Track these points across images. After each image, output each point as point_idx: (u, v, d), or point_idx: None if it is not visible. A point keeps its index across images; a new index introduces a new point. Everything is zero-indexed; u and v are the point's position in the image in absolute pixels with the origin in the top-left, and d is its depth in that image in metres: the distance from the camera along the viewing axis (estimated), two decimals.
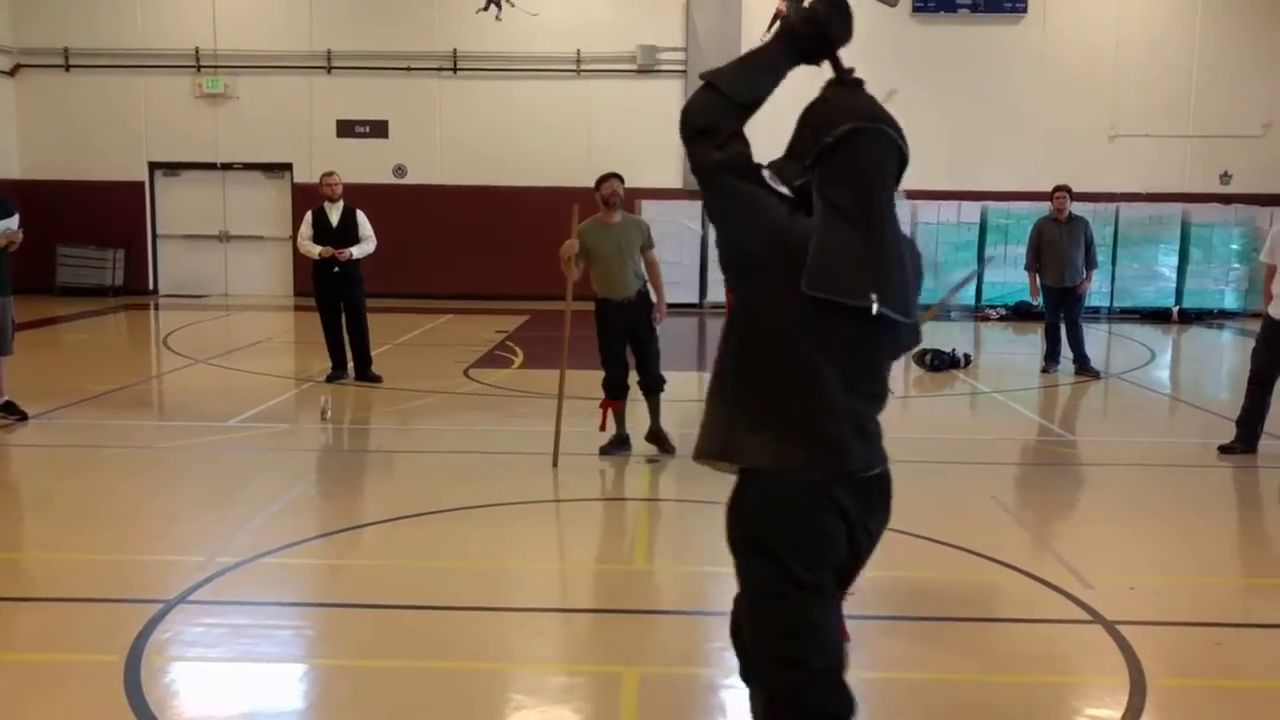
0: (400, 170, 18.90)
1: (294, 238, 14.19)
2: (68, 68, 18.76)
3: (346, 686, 4.13)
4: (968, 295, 17.17)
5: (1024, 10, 18.31)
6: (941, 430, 8.99)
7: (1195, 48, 18.50)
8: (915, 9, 18.28)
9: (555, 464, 7.24)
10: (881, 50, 18.31)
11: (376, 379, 10.42)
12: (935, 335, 12.83)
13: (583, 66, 18.66)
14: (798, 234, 2.40)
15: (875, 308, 2.36)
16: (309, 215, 10.45)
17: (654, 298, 7.67)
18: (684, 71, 18.54)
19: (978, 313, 17.43)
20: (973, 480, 7.15)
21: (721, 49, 18.22)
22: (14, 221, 8.31)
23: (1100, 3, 18.47)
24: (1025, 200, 16.73)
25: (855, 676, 4.26)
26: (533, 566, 5.52)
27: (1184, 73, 18.50)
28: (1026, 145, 18.16)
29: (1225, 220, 17.67)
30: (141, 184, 19.06)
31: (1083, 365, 11.26)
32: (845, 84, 2.56)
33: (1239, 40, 18.37)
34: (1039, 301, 11.94)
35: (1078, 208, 11.67)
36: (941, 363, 11.56)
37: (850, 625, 4.74)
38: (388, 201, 16.74)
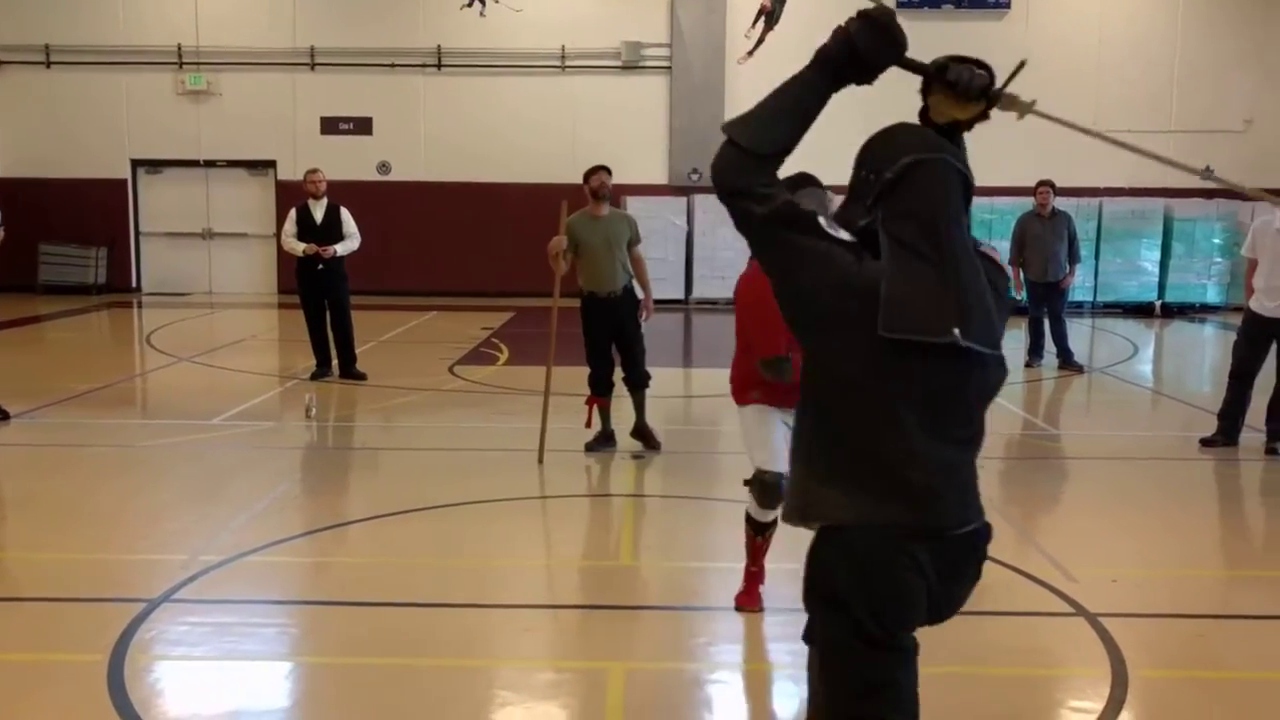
0: (384, 167, 18.84)
1: (278, 235, 14.13)
2: (49, 64, 18.63)
3: (331, 684, 4.13)
4: None
5: (1007, 6, 18.37)
6: None
7: (1177, 44, 18.59)
8: (900, 4, 18.32)
9: (541, 460, 7.24)
10: None
11: (361, 376, 10.40)
12: None
13: (567, 63, 18.64)
14: (867, 278, 2.25)
15: (961, 342, 2.21)
16: (293, 212, 10.42)
17: (640, 294, 7.69)
18: (668, 68, 18.54)
19: None
20: None
21: (706, 45, 18.26)
22: None
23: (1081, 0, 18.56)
24: (1008, 195, 16.76)
25: None
26: (519, 563, 5.52)
27: (1166, 68, 18.59)
28: (1009, 140, 18.12)
29: (1207, 215, 17.77)
30: (124, 181, 18.96)
31: (1066, 359, 11.32)
32: (942, 83, 2.40)
33: (1221, 36, 18.47)
34: (1022, 296, 11.99)
35: (1061, 202, 11.72)
36: None
37: None
38: (372, 198, 16.69)
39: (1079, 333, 13.77)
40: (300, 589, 5.22)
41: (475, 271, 18.42)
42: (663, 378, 8.50)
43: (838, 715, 2.38)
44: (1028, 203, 11.78)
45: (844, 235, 2.32)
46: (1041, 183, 11.43)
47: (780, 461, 4.52)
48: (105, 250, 18.71)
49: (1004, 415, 9.58)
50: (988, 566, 2.47)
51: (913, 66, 2.38)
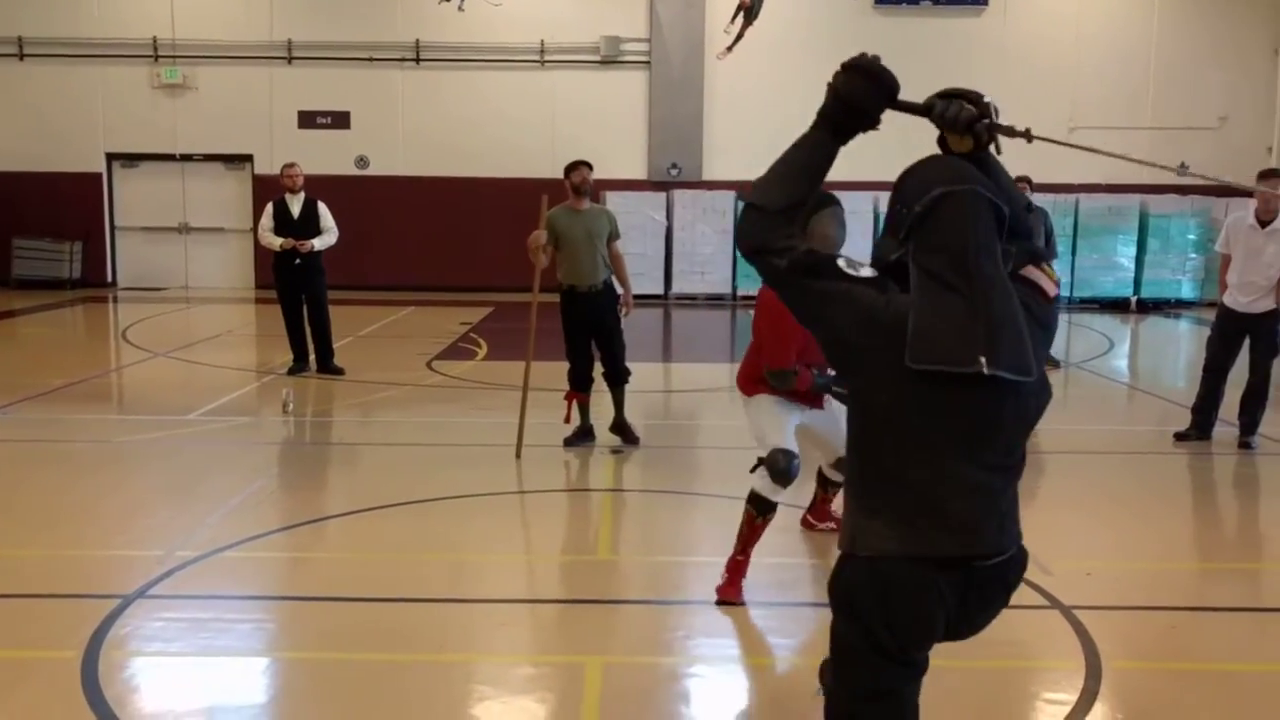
0: (362, 161, 18.76)
1: (255, 229, 14.04)
2: (22, 57, 18.46)
3: (308, 680, 4.12)
4: None
5: (985, 3, 18.45)
6: None
7: (1153, 42, 18.73)
8: (877, 1, 18.37)
9: (518, 455, 7.23)
10: (844, 42, 18.39)
11: (339, 371, 10.36)
12: None
13: (546, 57, 18.60)
14: (894, 312, 2.30)
15: (986, 370, 2.24)
16: (270, 207, 10.36)
17: (620, 289, 7.70)
18: (648, 63, 18.53)
19: None
20: None
21: (685, 40, 18.26)
22: None
23: None
24: None
25: (815, 664, 4.30)
26: (497, 558, 5.51)
27: (1142, 66, 18.71)
28: None
29: (1182, 211, 17.92)
30: (99, 175, 18.81)
31: None
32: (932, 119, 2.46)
33: (1196, 35, 18.61)
34: None
35: (1038, 198, 11.76)
36: None
37: (811, 612, 4.79)
38: (350, 193, 16.61)
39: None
40: (277, 584, 5.20)
41: (453, 266, 18.38)
42: (642, 373, 8.50)
43: (840, 715, 2.52)
44: None
45: (865, 273, 2.37)
46: (1019, 179, 11.39)
47: (791, 442, 4.75)
48: (80, 245, 18.56)
49: None
50: None
51: (905, 107, 2.44)
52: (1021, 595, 4.77)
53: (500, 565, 5.42)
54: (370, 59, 18.52)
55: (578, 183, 7.44)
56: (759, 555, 5.42)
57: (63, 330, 14.96)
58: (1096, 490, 6.79)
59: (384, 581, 5.07)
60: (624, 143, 18.56)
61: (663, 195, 18.25)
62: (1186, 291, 18.04)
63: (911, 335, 2.26)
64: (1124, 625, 4.66)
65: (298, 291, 10.27)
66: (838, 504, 5.49)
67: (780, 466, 4.71)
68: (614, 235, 7.60)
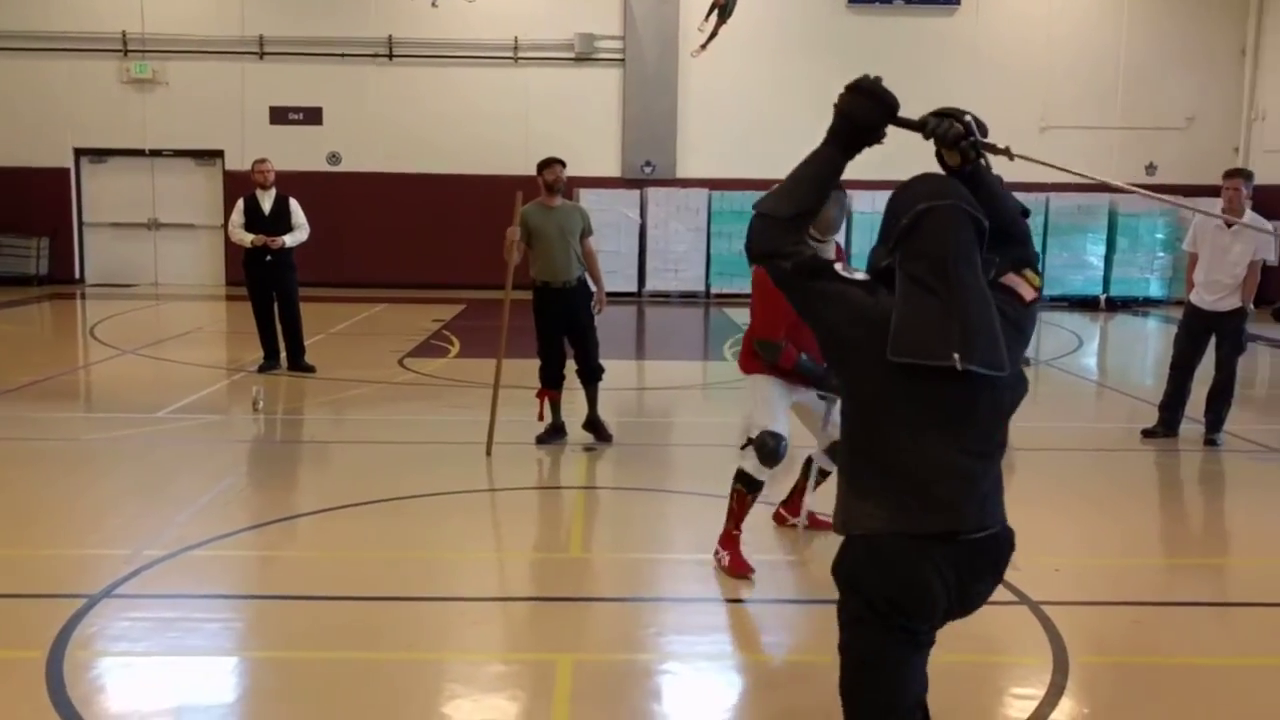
0: (335, 158, 18.65)
1: (225, 226, 13.95)
2: None
3: (277, 679, 4.09)
4: None
5: (957, 3, 18.55)
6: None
7: (1122, 43, 18.89)
8: (850, 0, 18.43)
9: (489, 453, 7.22)
10: (817, 41, 18.49)
11: (310, 369, 10.30)
12: None
13: (520, 54, 18.55)
14: (881, 310, 2.54)
15: (959, 365, 2.46)
16: (240, 203, 10.29)
17: (593, 287, 7.69)
18: (622, 60, 18.51)
19: None
20: None
21: (659, 37, 18.26)
22: None
23: None
24: None
25: (787, 659, 4.32)
26: (468, 556, 5.50)
27: (1112, 67, 18.87)
28: None
29: (1150, 210, 18.08)
30: (67, 170, 18.61)
31: None
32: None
33: (1164, 36, 18.79)
34: None
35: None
36: None
37: (781, 609, 4.81)
38: (322, 189, 16.52)
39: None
40: (246, 583, 5.17)
41: (426, 263, 18.30)
42: (615, 370, 8.51)
43: (843, 686, 2.71)
44: None
45: (859, 277, 2.64)
46: None
47: (781, 425, 4.96)
48: (47, 241, 18.36)
49: None
50: None
51: (903, 123, 2.69)
52: None
53: (471, 563, 5.41)
54: (343, 55, 18.42)
55: (550, 180, 7.43)
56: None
57: (29, 327, 14.78)
58: (1065, 487, 6.84)
59: (354, 580, 5.04)
60: (598, 140, 18.55)
61: (636, 193, 18.25)
62: (1155, 290, 18.23)
63: (893, 332, 2.49)
64: (1091, 620, 4.70)
65: (268, 288, 10.20)
66: (818, 503, 5.51)
67: (769, 448, 4.91)
68: (587, 231, 7.60)
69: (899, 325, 2.50)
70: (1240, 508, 6.77)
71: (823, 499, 5.24)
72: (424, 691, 3.95)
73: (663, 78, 18.41)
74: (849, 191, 5.05)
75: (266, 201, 10.20)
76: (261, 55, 18.44)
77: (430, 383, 10.19)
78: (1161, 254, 18.07)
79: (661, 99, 18.51)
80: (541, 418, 7.59)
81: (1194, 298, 7.89)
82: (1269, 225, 7.84)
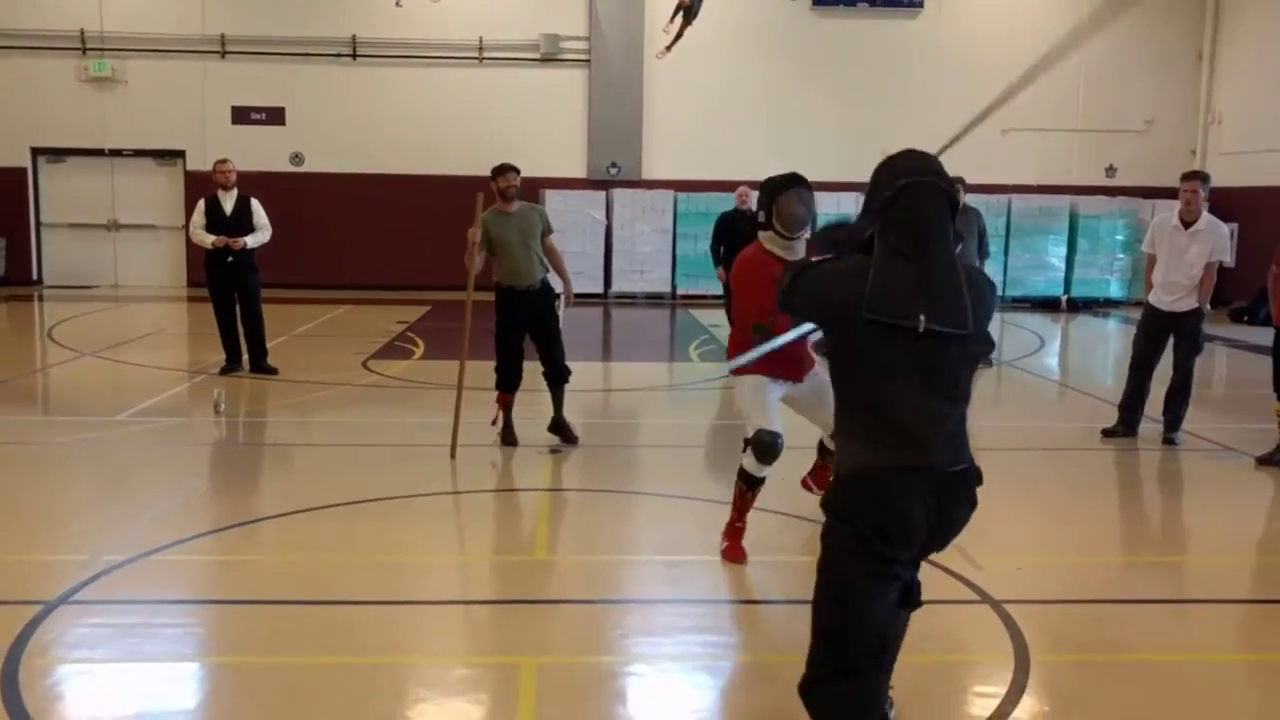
0: (297, 158, 18.51)
1: (186, 226, 13.80)
2: None
3: (237, 684, 4.05)
4: None
5: (920, 5, 18.68)
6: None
7: (1083, 47, 19.07)
8: (815, 3, 18.51)
9: (453, 455, 7.18)
10: (782, 42, 18.57)
11: (272, 371, 10.22)
12: None
13: (485, 54, 18.49)
14: (856, 273, 2.93)
15: (923, 326, 2.84)
16: (201, 203, 10.20)
17: (559, 285, 7.68)
18: (587, 61, 18.49)
19: None
20: None
21: (624, 39, 18.26)
22: None
23: (993, 0, 18.94)
24: None
25: (753, 660, 4.33)
26: (432, 559, 5.47)
27: (1072, 70, 19.06)
28: (922, 137, 18.34)
29: (1110, 212, 18.31)
30: (24, 170, 18.33)
31: None
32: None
33: (1123, 41, 19.00)
34: None
35: (971, 199, 11.96)
36: None
37: (748, 610, 4.82)
38: (284, 190, 16.38)
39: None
40: (207, 588, 5.11)
41: (390, 265, 18.20)
42: (581, 372, 8.50)
43: (815, 610, 3.01)
44: None
45: (826, 258, 3.10)
46: (953, 179, 11.62)
47: (775, 422, 5.12)
48: (4, 242, 18.11)
49: None
50: None
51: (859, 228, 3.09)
52: (952, 590, 4.89)
53: (435, 566, 5.38)
54: (306, 54, 18.28)
55: (504, 187, 7.41)
56: (696, 553, 5.45)
57: None
58: (1027, 486, 6.90)
59: (316, 583, 5.00)
60: (563, 141, 18.52)
61: (602, 194, 18.24)
62: (1115, 290, 18.45)
63: (869, 293, 2.88)
64: (1051, 618, 4.75)
65: (230, 290, 10.11)
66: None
67: (765, 444, 5.08)
68: (547, 231, 7.59)
69: (874, 288, 2.87)
70: (1197, 506, 6.87)
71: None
72: (387, 696, 3.92)
73: (628, 79, 18.41)
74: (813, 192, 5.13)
75: (228, 202, 10.11)
76: (223, 54, 18.27)
77: (395, 385, 10.13)
78: (1121, 255, 18.29)
79: (627, 100, 18.51)
80: (496, 423, 7.56)
81: (1152, 298, 7.98)
82: (1225, 228, 7.95)
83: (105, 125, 18.24)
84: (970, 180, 12.22)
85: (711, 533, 5.48)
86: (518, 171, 7.50)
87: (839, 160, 17.18)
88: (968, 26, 18.83)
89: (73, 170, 18.54)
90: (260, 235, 10.15)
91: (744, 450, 5.24)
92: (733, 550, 5.29)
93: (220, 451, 7.88)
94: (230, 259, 9.98)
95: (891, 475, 2.89)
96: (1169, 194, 10.18)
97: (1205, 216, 7.75)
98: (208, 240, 10.00)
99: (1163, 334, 7.97)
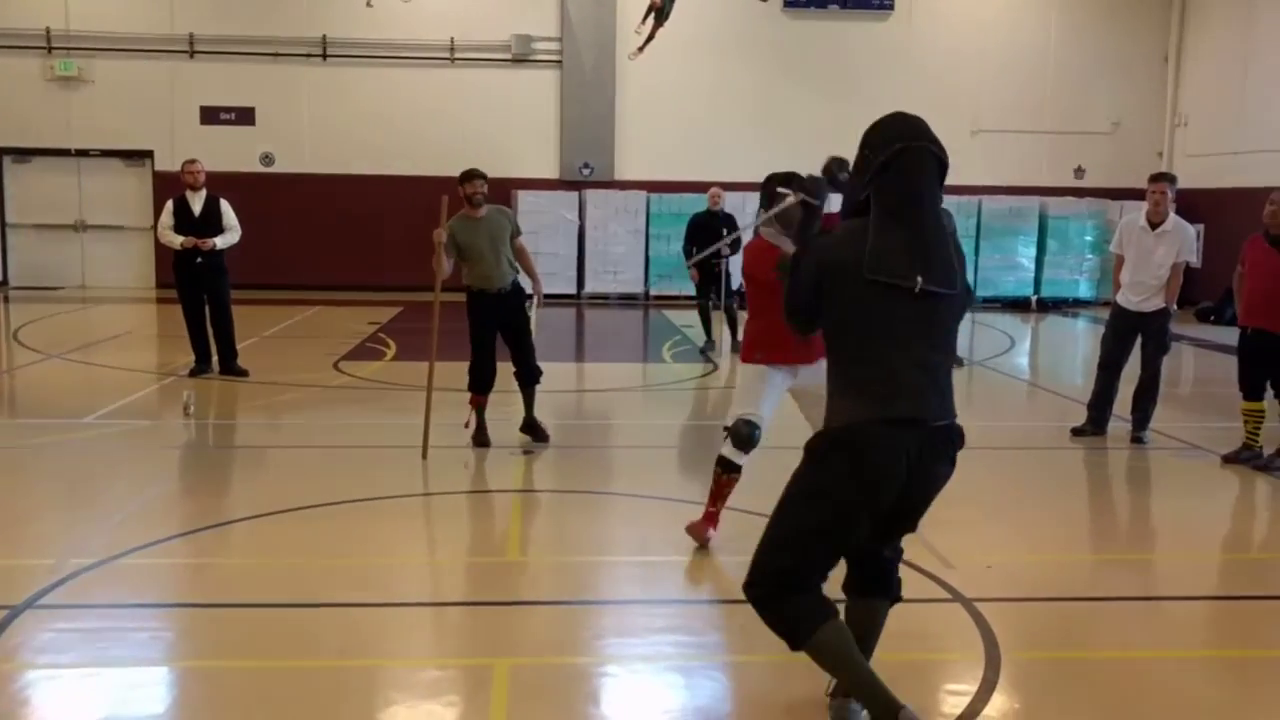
0: (267, 158, 18.38)
1: (155, 227, 13.68)
2: None
3: (207, 688, 4.01)
4: None
5: (890, 8, 18.78)
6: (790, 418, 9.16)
7: (1051, 49, 19.27)
8: (786, 4, 18.57)
9: (424, 456, 7.15)
10: (753, 44, 18.62)
11: (242, 373, 10.14)
12: None
13: (456, 55, 18.43)
14: (852, 236, 3.15)
15: (919, 287, 3.07)
16: (170, 204, 10.12)
17: (530, 287, 7.68)
18: (559, 62, 18.47)
19: None
20: None
21: (596, 39, 18.25)
22: None
23: (962, 2, 19.07)
24: None
25: (726, 661, 4.33)
26: (404, 560, 5.44)
27: (1040, 73, 19.24)
28: None
29: (1079, 213, 18.48)
30: None
31: None
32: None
33: (1091, 43, 19.21)
34: None
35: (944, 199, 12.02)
36: None
37: (720, 610, 4.82)
38: (254, 190, 16.25)
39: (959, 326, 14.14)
40: (176, 591, 5.06)
41: (361, 266, 18.10)
42: (554, 372, 8.49)
43: (771, 519, 3.30)
44: None
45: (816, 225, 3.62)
46: None
47: (757, 413, 5.31)
48: None
49: None
50: None
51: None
52: (924, 589, 4.92)
53: (407, 568, 5.36)
54: (275, 55, 18.15)
55: (470, 194, 7.40)
56: (668, 554, 5.46)
57: None
58: (997, 485, 6.94)
59: (287, 586, 4.97)
60: (536, 142, 18.49)
61: (575, 195, 18.22)
62: (1084, 291, 18.61)
63: (868, 255, 3.08)
64: (1022, 617, 4.78)
65: (199, 291, 10.03)
66: None
67: (743, 434, 5.31)
68: (516, 233, 7.61)
69: (873, 251, 3.08)
70: (1166, 504, 6.94)
71: None
72: (358, 699, 3.90)
73: (600, 80, 18.41)
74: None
75: (196, 203, 10.03)
76: (192, 54, 18.12)
77: (366, 386, 10.08)
78: (1090, 256, 18.45)
79: (599, 101, 18.50)
80: (469, 425, 7.54)
81: (1120, 299, 8.06)
82: (1191, 229, 8.04)
83: (72, 125, 18.05)
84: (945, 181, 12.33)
85: (684, 533, 5.48)
86: (485, 178, 7.48)
87: (810, 161, 17.18)
88: (937, 30, 18.95)
89: (39, 170, 18.33)
90: (230, 236, 10.08)
91: (724, 437, 5.37)
92: (698, 526, 5.46)
93: (189, 454, 7.81)
94: (199, 260, 9.91)
95: (881, 428, 3.07)
96: (1137, 195, 10.27)
97: (1172, 218, 7.83)
98: (176, 241, 9.92)
99: (1131, 334, 8.04)
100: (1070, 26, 19.19)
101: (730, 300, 12.32)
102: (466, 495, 6.74)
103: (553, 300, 8.39)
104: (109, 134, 18.07)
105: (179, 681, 4.09)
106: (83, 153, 18.22)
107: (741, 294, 16.18)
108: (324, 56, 18.30)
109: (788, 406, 5.46)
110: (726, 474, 5.40)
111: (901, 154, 3.11)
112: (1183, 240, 7.81)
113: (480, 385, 7.49)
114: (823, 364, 5.31)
